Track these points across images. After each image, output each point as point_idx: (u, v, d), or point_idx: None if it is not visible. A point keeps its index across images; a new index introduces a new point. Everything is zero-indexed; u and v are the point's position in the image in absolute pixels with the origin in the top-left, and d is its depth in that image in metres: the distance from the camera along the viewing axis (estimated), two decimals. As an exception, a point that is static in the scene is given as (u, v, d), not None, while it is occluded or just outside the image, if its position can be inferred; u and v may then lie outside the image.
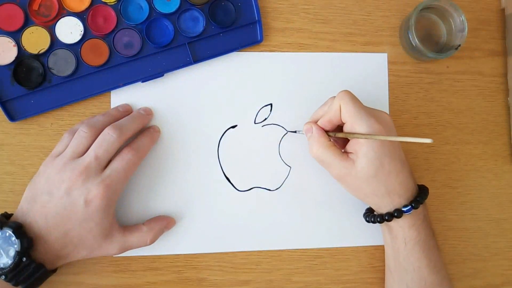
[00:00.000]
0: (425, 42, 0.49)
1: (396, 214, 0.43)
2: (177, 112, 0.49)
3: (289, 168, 0.51)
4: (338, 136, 0.44)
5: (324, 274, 0.51)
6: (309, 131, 0.45)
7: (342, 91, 0.43)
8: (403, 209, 0.43)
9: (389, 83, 0.53)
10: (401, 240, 0.45)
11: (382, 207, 0.45)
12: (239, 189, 0.50)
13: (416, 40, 0.49)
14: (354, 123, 0.42)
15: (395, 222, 0.44)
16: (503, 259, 0.54)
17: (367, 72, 0.52)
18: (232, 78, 0.50)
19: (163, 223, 0.47)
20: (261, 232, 0.50)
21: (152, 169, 0.49)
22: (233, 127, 0.50)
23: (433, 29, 0.52)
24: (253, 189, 0.50)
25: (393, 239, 0.46)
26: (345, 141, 0.45)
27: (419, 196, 0.44)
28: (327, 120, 0.44)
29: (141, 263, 0.48)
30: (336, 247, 0.51)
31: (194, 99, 0.50)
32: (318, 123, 0.45)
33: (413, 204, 0.43)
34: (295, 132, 0.50)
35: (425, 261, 0.45)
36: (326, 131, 0.45)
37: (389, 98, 0.53)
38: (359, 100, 0.43)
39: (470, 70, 0.55)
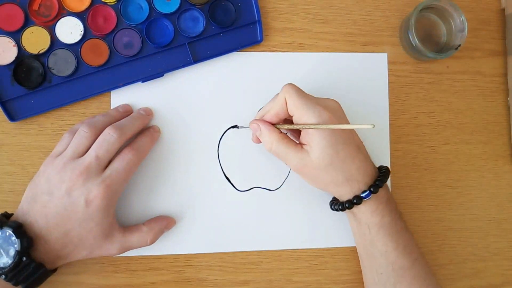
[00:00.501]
0: (425, 42, 0.49)
1: (356, 201, 0.43)
2: (177, 112, 0.49)
3: (289, 168, 0.51)
4: (284, 128, 0.44)
5: (324, 274, 0.51)
6: (257, 129, 0.44)
7: (286, 84, 0.43)
8: (361, 195, 0.43)
9: (389, 83, 0.53)
10: (365, 226, 0.44)
11: (343, 195, 0.44)
12: (239, 189, 0.50)
13: (416, 40, 0.49)
14: (301, 114, 0.41)
15: (357, 209, 0.44)
16: (503, 259, 0.54)
17: (367, 72, 0.52)
18: (232, 78, 0.50)
19: (163, 223, 0.47)
20: (261, 232, 0.50)
21: (152, 169, 0.49)
22: (233, 127, 0.50)
23: (433, 29, 0.52)
24: (253, 189, 0.50)
25: (358, 226, 0.45)
26: (300, 133, 0.44)
27: (378, 180, 0.43)
28: (274, 114, 0.43)
29: (141, 263, 0.48)
30: (336, 247, 0.51)
31: (194, 99, 0.50)
32: (265, 118, 0.44)
33: (371, 189, 0.43)
34: (236, 127, 0.50)
35: (392, 245, 0.44)
36: (274, 125, 0.44)
37: (389, 98, 0.53)
38: (303, 91, 0.43)
39: (470, 70, 0.55)
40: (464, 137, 0.54)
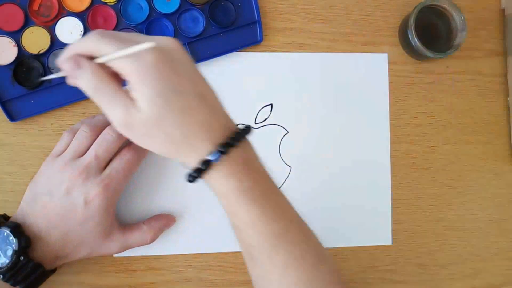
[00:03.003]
0: (425, 42, 0.49)
1: (203, 166, 0.34)
2: (177, 112, 0.49)
3: (289, 168, 0.51)
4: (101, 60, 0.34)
5: (324, 274, 0.51)
6: (75, 67, 0.34)
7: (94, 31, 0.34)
8: (209, 158, 0.33)
9: (389, 83, 0.53)
10: (222, 196, 0.36)
11: (188, 159, 0.35)
12: (239, 189, 0.50)
13: (416, 40, 0.49)
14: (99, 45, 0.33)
15: (208, 176, 0.35)
16: (503, 259, 0.54)
17: (367, 72, 0.52)
18: (232, 78, 0.50)
19: (163, 221, 0.47)
20: (261, 232, 0.50)
21: (152, 168, 0.49)
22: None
23: (433, 29, 0.52)
24: (253, 189, 0.50)
25: (218, 197, 0.37)
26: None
27: (231, 137, 0.34)
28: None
29: (141, 263, 0.48)
30: (336, 247, 0.51)
31: (194, 99, 0.50)
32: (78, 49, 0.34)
33: (220, 149, 0.33)
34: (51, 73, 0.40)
35: (257, 211, 0.35)
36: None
37: (389, 98, 0.53)
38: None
39: (470, 70, 0.55)
40: (464, 137, 0.54)
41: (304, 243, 0.38)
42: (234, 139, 0.35)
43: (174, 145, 0.34)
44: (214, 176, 0.35)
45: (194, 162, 0.34)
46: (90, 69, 0.33)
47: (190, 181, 0.35)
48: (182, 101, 0.33)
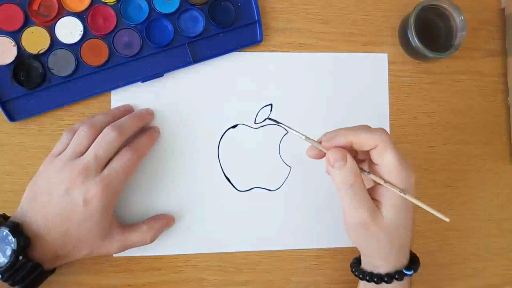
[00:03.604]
0: (425, 42, 0.49)
1: (398, 277, 0.39)
2: (177, 112, 0.49)
3: (289, 168, 0.51)
4: (375, 179, 0.38)
5: (324, 274, 0.51)
6: (340, 159, 0.37)
7: (382, 129, 0.38)
8: (405, 271, 0.40)
9: (389, 83, 0.53)
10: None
11: (379, 265, 0.40)
12: (239, 189, 0.50)
13: (416, 40, 0.49)
14: (394, 169, 0.37)
15: (386, 284, 0.40)
16: (503, 259, 0.54)
17: (367, 72, 0.52)
18: (232, 78, 0.50)
19: (163, 221, 0.47)
20: (261, 232, 0.50)
21: (152, 169, 0.49)
22: (233, 127, 0.50)
23: (433, 29, 0.52)
24: (253, 189, 0.50)
25: None
26: None
27: (416, 262, 0.41)
28: (356, 147, 0.38)
29: (141, 263, 0.48)
30: (336, 247, 0.51)
31: (194, 99, 0.50)
32: (338, 142, 0.38)
33: (413, 268, 0.40)
34: (276, 123, 0.42)
35: None
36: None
37: (389, 98, 0.53)
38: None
39: (470, 70, 0.55)
40: (464, 137, 0.54)
41: None
42: (418, 264, 0.41)
43: (386, 253, 0.39)
44: (389, 286, 0.40)
45: (385, 269, 0.40)
46: (351, 166, 0.37)
47: (365, 279, 0.41)
48: (410, 221, 0.39)
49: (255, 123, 0.50)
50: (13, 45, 0.46)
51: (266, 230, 0.50)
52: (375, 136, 0.37)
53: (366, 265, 0.42)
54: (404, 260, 0.40)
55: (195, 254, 0.49)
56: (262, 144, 0.50)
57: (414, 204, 0.38)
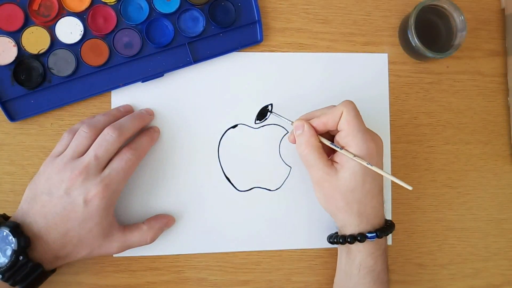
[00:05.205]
0: (425, 42, 0.49)
1: (360, 238, 0.43)
2: (177, 112, 0.49)
3: (289, 168, 0.51)
4: (325, 142, 0.44)
5: (324, 274, 0.51)
6: (299, 128, 0.44)
7: (347, 100, 0.43)
8: (367, 234, 0.43)
9: (389, 83, 0.53)
10: (356, 265, 0.44)
11: (347, 227, 0.44)
12: (239, 189, 0.50)
13: (416, 40, 0.49)
14: (350, 133, 0.42)
15: (355, 246, 0.44)
16: (503, 259, 0.54)
17: (367, 72, 0.52)
18: (232, 78, 0.50)
19: (163, 221, 0.47)
20: (261, 232, 0.50)
21: (152, 169, 0.49)
22: (233, 127, 0.50)
23: (433, 29, 0.52)
24: (253, 189, 0.50)
25: (348, 263, 0.45)
26: (331, 150, 0.44)
27: (387, 228, 0.44)
28: (323, 122, 0.43)
29: (141, 263, 0.48)
30: (336, 247, 0.51)
31: (194, 99, 0.50)
32: (313, 122, 0.44)
33: (378, 233, 0.43)
34: (268, 110, 0.49)
35: None
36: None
37: (389, 98, 0.53)
38: (360, 115, 0.43)
39: (470, 70, 0.55)
40: (464, 137, 0.54)
41: None
42: (389, 230, 0.44)
43: (346, 213, 0.43)
44: (360, 248, 0.44)
45: (352, 230, 0.44)
46: (308, 132, 0.43)
47: (334, 242, 0.46)
48: (371, 185, 0.43)
49: (255, 123, 0.50)
50: (13, 45, 0.46)
51: (266, 230, 0.50)
52: (339, 106, 0.42)
53: (339, 231, 0.46)
54: (368, 226, 0.43)
55: (195, 254, 0.49)
56: (262, 144, 0.50)
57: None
